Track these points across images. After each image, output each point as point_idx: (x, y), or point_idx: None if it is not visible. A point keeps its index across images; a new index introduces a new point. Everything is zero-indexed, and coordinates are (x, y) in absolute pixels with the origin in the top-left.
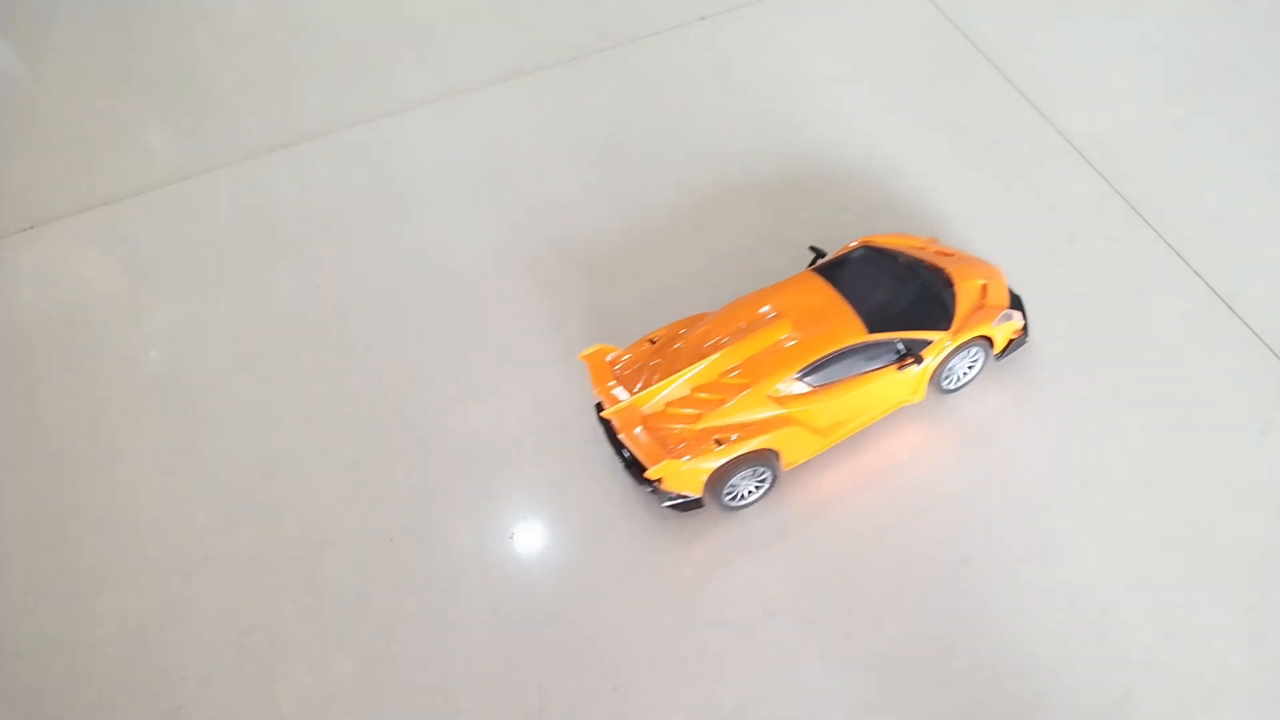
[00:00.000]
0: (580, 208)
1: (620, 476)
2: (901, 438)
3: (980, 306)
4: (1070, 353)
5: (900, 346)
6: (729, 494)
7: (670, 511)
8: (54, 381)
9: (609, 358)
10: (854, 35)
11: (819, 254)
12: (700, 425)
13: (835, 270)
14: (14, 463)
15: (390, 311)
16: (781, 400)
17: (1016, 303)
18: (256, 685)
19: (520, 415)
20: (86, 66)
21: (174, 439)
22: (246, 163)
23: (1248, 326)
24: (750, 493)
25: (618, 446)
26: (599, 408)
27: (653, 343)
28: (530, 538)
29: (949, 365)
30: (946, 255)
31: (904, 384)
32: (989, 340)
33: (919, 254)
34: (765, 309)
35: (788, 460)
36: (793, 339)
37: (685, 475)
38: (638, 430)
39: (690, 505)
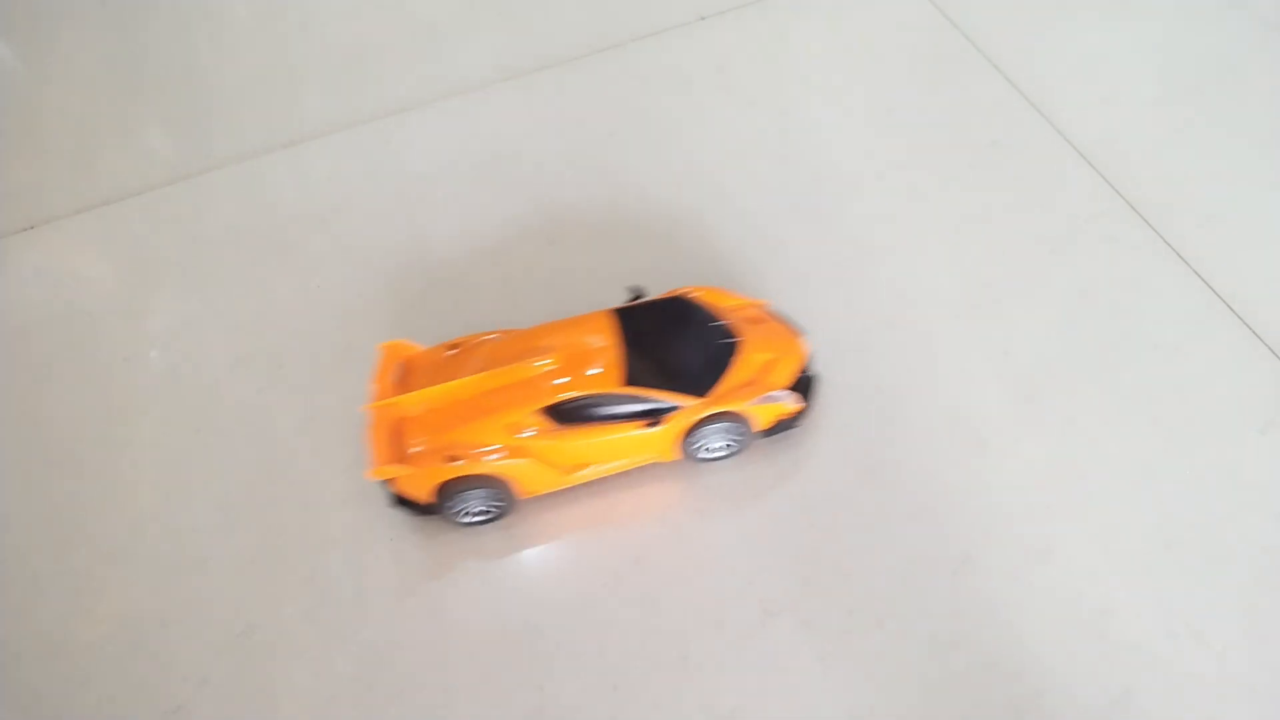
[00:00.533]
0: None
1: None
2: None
3: (750, 383)
4: (1070, 353)
5: (650, 404)
6: (457, 509)
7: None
8: (54, 381)
9: (406, 355)
10: (854, 35)
11: (638, 294)
12: (443, 438)
13: (635, 314)
14: (14, 462)
15: (390, 311)
16: (522, 432)
17: (806, 384)
18: (256, 685)
19: None
20: (87, 66)
21: (174, 439)
22: (246, 163)
23: (1248, 326)
24: (481, 513)
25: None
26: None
27: (452, 349)
28: (529, 537)
29: (699, 434)
30: (757, 322)
31: (650, 441)
32: (745, 417)
33: (730, 315)
34: (547, 340)
35: (525, 489)
36: (552, 375)
37: (413, 481)
38: (386, 429)
39: (420, 510)
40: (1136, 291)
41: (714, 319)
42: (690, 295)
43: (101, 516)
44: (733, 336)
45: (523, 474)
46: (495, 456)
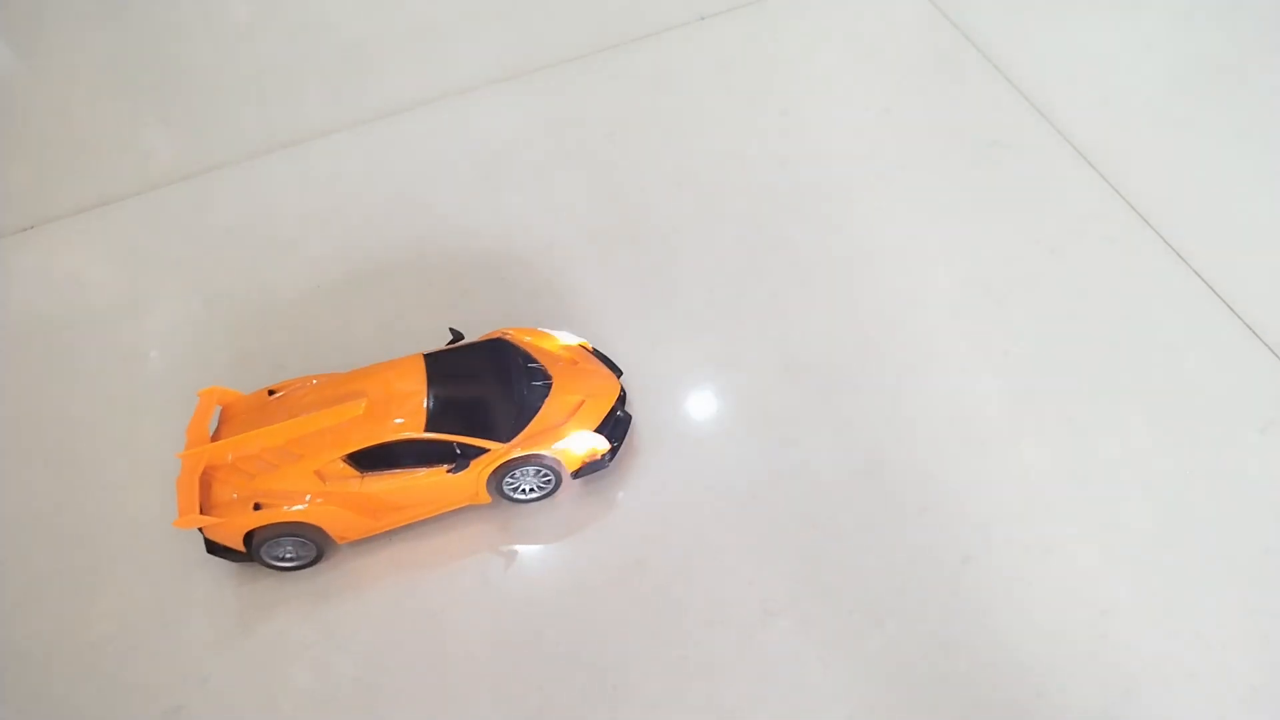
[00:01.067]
0: (578, 210)
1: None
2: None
3: (559, 425)
4: (1070, 353)
5: (456, 449)
6: (270, 554)
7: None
8: (53, 381)
9: (225, 401)
10: (854, 35)
11: (456, 336)
12: (252, 486)
13: (445, 359)
14: (14, 463)
15: (389, 311)
16: (329, 479)
17: (620, 424)
18: (256, 685)
19: None
20: (86, 66)
21: (174, 439)
22: (246, 163)
23: (1248, 326)
24: (290, 558)
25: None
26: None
27: (271, 394)
28: (526, 537)
29: (508, 476)
30: (572, 364)
31: (460, 484)
32: (554, 458)
33: (546, 357)
34: (360, 385)
35: (338, 535)
36: (358, 421)
37: (220, 531)
38: (196, 476)
39: (236, 556)
40: (1136, 292)
41: (531, 360)
42: (509, 336)
43: (101, 516)
44: (547, 378)
45: (330, 520)
46: (302, 504)
